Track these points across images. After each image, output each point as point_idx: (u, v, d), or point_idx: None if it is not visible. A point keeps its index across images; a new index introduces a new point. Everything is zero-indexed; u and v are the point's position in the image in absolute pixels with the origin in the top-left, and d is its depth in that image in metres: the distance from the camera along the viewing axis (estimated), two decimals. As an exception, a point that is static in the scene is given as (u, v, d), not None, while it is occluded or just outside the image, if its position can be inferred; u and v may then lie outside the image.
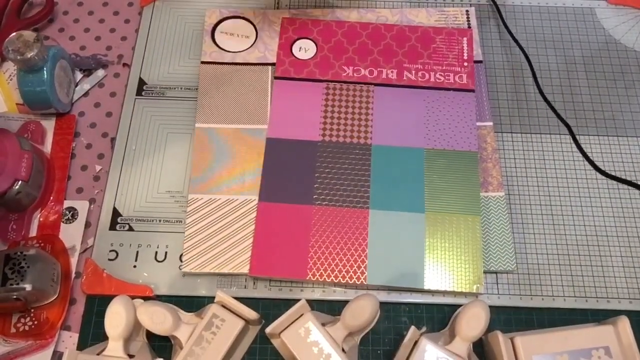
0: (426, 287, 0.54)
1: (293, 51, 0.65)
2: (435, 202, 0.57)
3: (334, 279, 0.54)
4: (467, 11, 0.69)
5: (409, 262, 0.55)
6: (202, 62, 0.65)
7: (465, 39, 0.65)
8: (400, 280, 0.54)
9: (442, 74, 0.63)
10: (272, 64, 0.65)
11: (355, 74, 0.63)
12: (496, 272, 0.56)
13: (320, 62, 0.64)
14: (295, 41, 0.66)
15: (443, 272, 0.54)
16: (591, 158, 0.61)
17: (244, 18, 0.68)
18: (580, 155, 0.61)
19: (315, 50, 0.65)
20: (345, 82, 0.63)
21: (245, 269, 0.55)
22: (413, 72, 0.63)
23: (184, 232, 0.57)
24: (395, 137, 0.60)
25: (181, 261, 0.56)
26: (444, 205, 0.57)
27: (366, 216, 0.56)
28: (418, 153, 0.59)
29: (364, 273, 0.54)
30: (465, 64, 0.64)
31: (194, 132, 0.61)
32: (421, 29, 0.66)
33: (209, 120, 0.62)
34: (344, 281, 0.54)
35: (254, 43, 0.66)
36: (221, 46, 0.66)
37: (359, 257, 0.55)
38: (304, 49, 0.65)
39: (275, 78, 0.64)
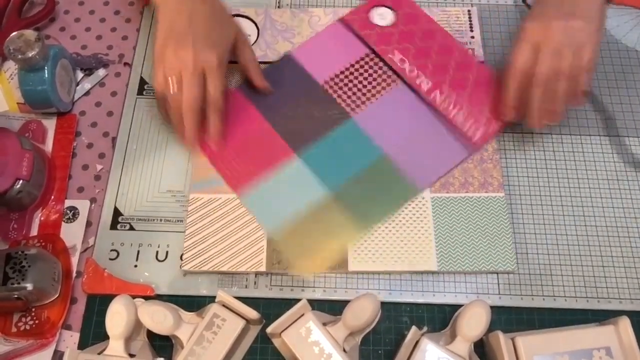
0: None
1: (371, 12, 0.66)
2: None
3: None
4: (469, 11, 0.68)
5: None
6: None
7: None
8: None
9: (463, 119, 0.61)
10: (273, 63, 0.65)
11: (399, 63, 0.63)
12: (497, 272, 0.56)
13: (383, 35, 0.65)
14: (380, 6, 0.67)
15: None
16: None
17: (245, 17, 0.68)
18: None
19: (388, 22, 0.65)
20: (383, 61, 0.64)
21: (244, 268, 0.55)
22: (444, 98, 0.62)
23: (184, 232, 0.57)
24: (379, 130, 0.61)
25: (181, 260, 0.56)
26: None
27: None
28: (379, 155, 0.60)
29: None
30: (490, 128, 0.60)
31: None
32: (486, 73, 0.63)
33: None
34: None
35: (255, 42, 0.66)
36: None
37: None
38: (382, 16, 0.66)
39: (339, 21, 0.66)
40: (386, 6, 0.67)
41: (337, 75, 0.64)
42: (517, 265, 0.56)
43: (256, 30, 0.67)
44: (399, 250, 0.56)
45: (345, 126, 0.61)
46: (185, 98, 0.55)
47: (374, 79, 0.63)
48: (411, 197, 0.58)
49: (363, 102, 0.62)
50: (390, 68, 0.64)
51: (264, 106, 0.62)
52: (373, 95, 0.62)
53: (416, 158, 0.59)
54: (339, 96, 0.62)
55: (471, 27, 0.67)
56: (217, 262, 0.55)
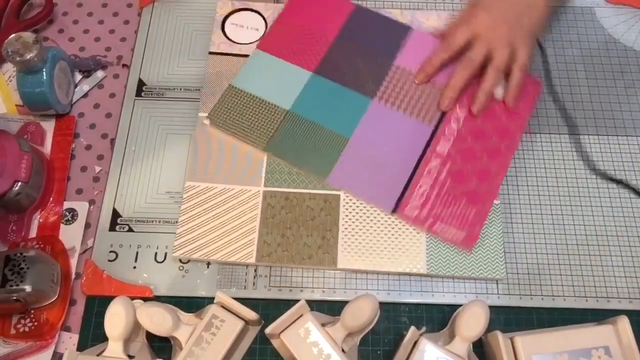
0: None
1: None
2: None
3: None
4: None
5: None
6: (210, 53, 0.65)
7: None
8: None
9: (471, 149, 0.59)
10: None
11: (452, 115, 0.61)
12: (485, 280, 0.56)
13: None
14: None
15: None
16: (591, 158, 0.61)
17: (254, 11, 0.68)
18: (581, 154, 0.61)
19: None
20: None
21: (234, 258, 0.55)
22: (461, 117, 0.60)
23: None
24: (373, 127, 0.61)
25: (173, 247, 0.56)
26: None
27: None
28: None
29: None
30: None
31: (197, 122, 0.62)
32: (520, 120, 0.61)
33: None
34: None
35: (262, 36, 0.67)
36: (230, 38, 0.66)
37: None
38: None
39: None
40: None
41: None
42: (506, 273, 0.56)
43: (264, 25, 0.68)
44: (390, 251, 0.56)
45: (359, 99, 0.62)
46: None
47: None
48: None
49: (377, 73, 0.62)
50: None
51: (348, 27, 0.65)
52: (401, 106, 0.61)
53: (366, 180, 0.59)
54: (387, 80, 0.63)
55: None
56: (207, 250, 0.55)
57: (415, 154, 0.59)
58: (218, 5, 0.68)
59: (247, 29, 0.67)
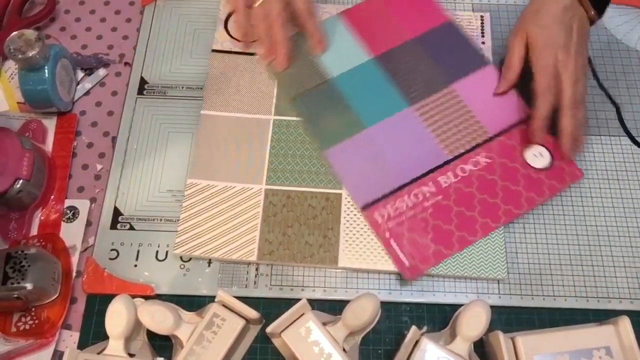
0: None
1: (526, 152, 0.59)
2: None
3: None
4: (481, 16, 0.68)
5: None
6: (213, 50, 0.65)
7: None
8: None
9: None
10: None
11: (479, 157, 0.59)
12: (487, 280, 0.56)
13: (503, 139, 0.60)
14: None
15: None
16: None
17: None
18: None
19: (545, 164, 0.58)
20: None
21: (235, 256, 0.55)
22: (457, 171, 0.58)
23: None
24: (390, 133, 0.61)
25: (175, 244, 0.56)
26: None
27: None
28: None
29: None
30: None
31: (200, 120, 0.62)
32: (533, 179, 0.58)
33: (215, 108, 0.62)
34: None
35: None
36: (234, 35, 0.66)
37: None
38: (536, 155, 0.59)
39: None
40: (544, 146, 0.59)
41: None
42: (507, 273, 0.55)
43: None
44: None
45: (397, 100, 0.62)
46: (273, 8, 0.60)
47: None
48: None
49: (424, 119, 0.61)
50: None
51: None
52: (432, 126, 0.61)
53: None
54: (433, 97, 0.62)
55: (482, 33, 0.67)
56: (209, 248, 0.55)
57: (416, 172, 0.58)
58: (221, 3, 0.68)
59: (250, 27, 0.67)
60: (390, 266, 0.55)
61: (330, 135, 0.60)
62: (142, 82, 0.65)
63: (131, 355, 0.50)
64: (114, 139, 0.62)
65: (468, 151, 0.59)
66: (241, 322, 0.50)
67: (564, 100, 0.55)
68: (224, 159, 0.60)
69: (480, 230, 0.56)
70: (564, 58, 0.55)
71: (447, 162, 0.59)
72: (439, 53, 0.64)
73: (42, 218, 0.58)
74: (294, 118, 0.62)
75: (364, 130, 0.60)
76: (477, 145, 0.59)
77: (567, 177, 0.58)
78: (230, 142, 0.61)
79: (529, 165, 0.58)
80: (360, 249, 0.56)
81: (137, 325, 0.51)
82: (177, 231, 0.56)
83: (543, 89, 0.56)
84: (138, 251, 0.57)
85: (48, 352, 0.53)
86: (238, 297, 0.51)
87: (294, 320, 0.50)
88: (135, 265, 0.56)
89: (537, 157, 0.58)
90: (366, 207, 0.57)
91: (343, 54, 0.64)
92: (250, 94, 0.63)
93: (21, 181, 0.55)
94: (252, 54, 0.65)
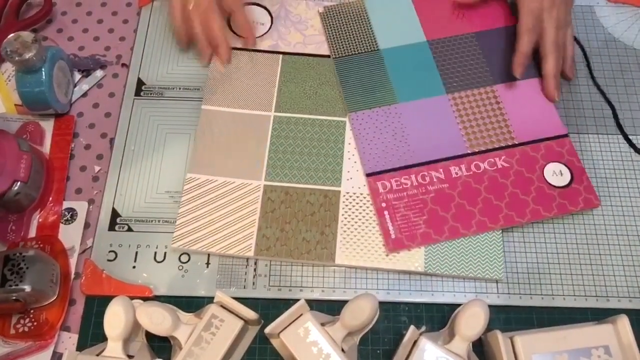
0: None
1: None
2: None
3: None
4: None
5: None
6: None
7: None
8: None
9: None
10: (284, 53, 0.65)
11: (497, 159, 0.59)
12: (484, 280, 0.56)
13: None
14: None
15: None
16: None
17: (261, 5, 0.69)
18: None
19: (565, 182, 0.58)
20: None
21: (233, 251, 0.55)
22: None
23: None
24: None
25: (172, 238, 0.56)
26: None
27: None
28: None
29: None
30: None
31: (200, 113, 0.62)
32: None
33: (216, 103, 0.62)
34: None
35: (268, 30, 0.67)
36: (236, 31, 0.67)
37: None
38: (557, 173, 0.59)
39: None
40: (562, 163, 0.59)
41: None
42: (505, 274, 0.55)
43: (270, 20, 0.68)
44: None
45: (437, 86, 0.63)
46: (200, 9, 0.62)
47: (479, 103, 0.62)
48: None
49: (457, 109, 0.61)
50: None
51: None
52: (461, 117, 0.61)
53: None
54: (472, 92, 0.62)
55: None
56: (206, 242, 0.56)
57: (431, 156, 0.59)
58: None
59: (253, 23, 0.67)
60: (387, 264, 0.55)
61: (362, 100, 0.62)
62: (140, 83, 0.65)
63: (130, 356, 0.50)
64: (111, 141, 0.62)
65: (489, 150, 0.59)
66: (240, 323, 0.50)
67: (546, 43, 0.60)
68: (224, 154, 0.60)
69: (475, 226, 0.56)
70: (549, 5, 0.60)
71: (464, 155, 0.59)
72: (493, 53, 0.64)
73: (40, 220, 0.58)
74: (294, 114, 0.62)
75: (395, 104, 0.62)
76: (500, 148, 0.59)
77: (582, 201, 0.57)
78: (230, 137, 0.61)
79: (545, 180, 0.58)
80: (358, 246, 0.56)
81: (136, 326, 0.51)
82: (175, 225, 0.56)
83: (527, 28, 0.60)
84: (136, 252, 0.57)
85: (47, 354, 0.53)
86: (236, 298, 0.51)
87: (293, 321, 0.49)
88: (134, 267, 0.56)
89: (557, 174, 0.58)
90: (372, 175, 0.58)
91: (401, 29, 0.66)
92: (251, 89, 0.63)
93: (19, 183, 0.55)
94: (252, 50, 0.65)
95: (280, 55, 0.65)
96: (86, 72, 0.67)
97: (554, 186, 0.58)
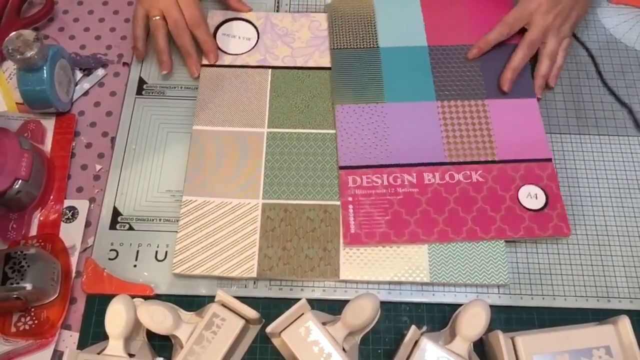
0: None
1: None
2: None
3: None
4: None
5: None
6: (202, 65, 0.65)
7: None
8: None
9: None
10: (272, 67, 0.65)
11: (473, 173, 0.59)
12: (488, 286, 0.56)
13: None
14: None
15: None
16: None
17: (246, 20, 0.68)
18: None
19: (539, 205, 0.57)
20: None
21: (235, 273, 0.55)
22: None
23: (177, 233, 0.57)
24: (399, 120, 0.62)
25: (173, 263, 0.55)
26: None
27: None
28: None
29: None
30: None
31: (191, 134, 0.61)
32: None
33: (207, 123, 0.62)
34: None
35: (254, 45, 0.66)
36: (222, 49, 0.66)
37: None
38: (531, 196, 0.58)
39: None
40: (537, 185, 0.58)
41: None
42: (510, 278, 0.55)
43: (256, 34, 0.67)
44: (392, 260, 0.55)
45: (429, 91, 0.63)
46: (169, 22, 0.63)
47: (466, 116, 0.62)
48: None
49: (443, 118, 0.61)
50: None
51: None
52: (446, 128, 0.61)
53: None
54: (463, 104, 0.62)
55: None
56: (208, 266, 0.55)
57: (407, 159, 0.59)
58: (208, 16, 0.67)
59: (238, 39, 0.67)
60: (393, 277, 0.55)
61: (350, 94, 0.62)
62: (141, 82, 0.65)
63: (131, 355, 0.50)
64: (112, 139, 0.62)
65: (467, 163, 0.59)
66: (241, 322, 0.50)
67: (546, 51, 0.62)
68: (219, 175, 0.59)
69: (436, 235, 0.56)
70: (560, 24, 0.62)
71: (441, 164, 0.59)
72: (492, 68, 0.64)
73: (41, 218, 0.58)
74: (288, 130, 0.61)
75: (383, 103, 0.62)
76: (479, 162, 0.59)
77: (552, 228, 0.56)
78: (224, 157, 0.60)
79: (518, 200, 0.57)
80: (362, 260, 0.55)
81: (137, 325, 0.51)
82: (175, 250, 0.55)
83: (531, 41, 0.62)
84: (137, 251, 0.57)
85: (48, 352, 0.53)
86: (237, 297, 0.51)
87: (294, 320, 0.50)
88: (135, 266, 0.56)
89: (532, 197, 0.57)
90: (345, 168, 0.58)
91: (405, 30, 0.66)
92: (242, 106, 0.63)
93: (20, 181, 0.55)
94: (242, 67, 0.64)
95: (270, 70, 0.65)
96: (87, 71, 0.67)
97: (526, 208, 0.57)
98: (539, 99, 0.62)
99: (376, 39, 0.65)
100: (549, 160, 0.59)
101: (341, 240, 0.56)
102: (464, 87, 0.63)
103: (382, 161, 0.59)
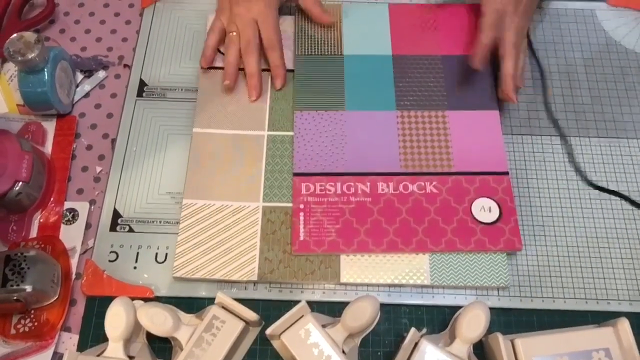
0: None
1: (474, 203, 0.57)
2: None
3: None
4: None
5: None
6: (202, 68, 0.65)
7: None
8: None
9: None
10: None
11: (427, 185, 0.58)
12: (488, 288, 0.55)
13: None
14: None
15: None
16: (590, 161, 0.61)
17: None
18: (582, 157, 0.61)
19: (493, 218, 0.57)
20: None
21: (236, 276, 0.54)
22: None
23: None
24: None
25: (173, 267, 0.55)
26: None
27: None
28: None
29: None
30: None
31: (192, 137, 0.61)
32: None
33: (207, 125, 0.62)
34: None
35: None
36: (222, 50, 0.66)
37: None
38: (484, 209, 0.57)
39: None
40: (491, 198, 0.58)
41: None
42: (509, 281, 0.55)
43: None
44: (392, 263, 0.55)
45: (389, 101, 0.62)
46: (242, 40, 0.63)
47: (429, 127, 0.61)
48: None
49: (402, 129, 0.61)
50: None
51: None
52: (404, 139, 0.60)
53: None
54: (422, 115, 0.61)
55: None
56: (209, 269, 0.55)
57: (361, 168, 0.58)
58: (208, 19, 0.67)
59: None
60: (393, 280, 0.55)
61: (311, 101, 0.62)
62: (142, 84, 0.65)
63: (131, 357, 0.50)
64: (113, 141, 0.62)
65: (422, 174, 0.58)
66: (240, 324, 0.50)
67: (506, 45, 0.59)
68: (219, 178, 0.59)
69: (385, 245, 0.55)
70: (512, 10, 0.60)
71: (395, 174, 0.58)
72: (454, 79, 0.63)
73: (41, 220, 0.58)
74: (288, 132, 0.61)
75: (342, 111, 0.61)
76: (434, 173, 0.58)
77: (503, 242, 0.55)
78: (225, 159, 0.60)
79: (471, 213, 0.57)
80: (362, 263, 0.55)
81: (137, 327, 0.51)
82: (175, 253, 0.55)
83: (490, 24, 0.59)
84: (137, 253, 0.57)
85: (47, 354, 0.53)
86: (237, 299, 0.51)
87: (294, 322, 0.50)
88: (135, 267, 0.56)
89: (485, 210, 0.56)
90: (299, 175, 0.58)
91: (370, 39, 0.66)
92: (242, 110, 0.62)
93: (20, 183, 0.56)
94: (242, 69, 0.64)
95: (269, 73, 0.64)
96: (88, 73, 0.67)
97: (478, 221, 0.56)
98: (515, 103, 0.60)
99: (341, 46, 0.65)
100: (506, 173, 0.58)
101: None
102: (425, 97, 0.62)
103: (337, 169, 0.58)
